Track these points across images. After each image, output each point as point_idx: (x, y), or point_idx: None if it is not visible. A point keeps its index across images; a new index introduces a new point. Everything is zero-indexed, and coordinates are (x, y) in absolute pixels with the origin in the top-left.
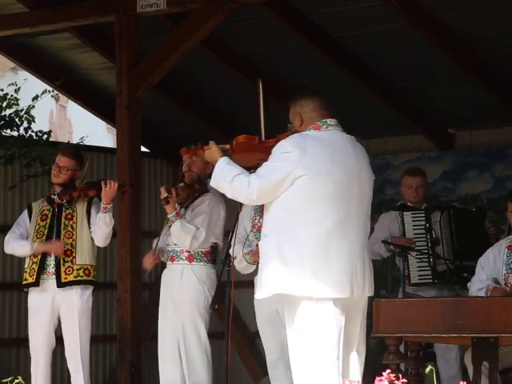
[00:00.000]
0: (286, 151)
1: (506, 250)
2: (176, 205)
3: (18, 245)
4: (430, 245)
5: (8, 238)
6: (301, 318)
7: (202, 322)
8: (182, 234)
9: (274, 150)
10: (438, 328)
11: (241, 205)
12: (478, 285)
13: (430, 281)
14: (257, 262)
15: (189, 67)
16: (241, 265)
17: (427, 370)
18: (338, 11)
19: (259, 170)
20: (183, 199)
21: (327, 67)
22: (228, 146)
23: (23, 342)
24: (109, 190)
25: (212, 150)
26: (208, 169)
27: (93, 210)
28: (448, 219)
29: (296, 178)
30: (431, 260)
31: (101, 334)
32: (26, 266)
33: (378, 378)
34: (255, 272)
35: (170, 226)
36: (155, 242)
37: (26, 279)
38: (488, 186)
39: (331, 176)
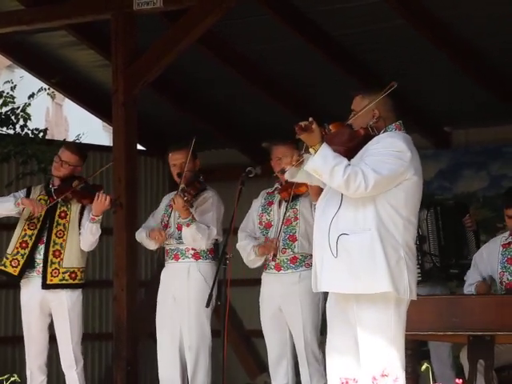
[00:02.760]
0: (400, 150)
1: (501, 249)
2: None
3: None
4: (418, 243)
5: None
6: (393, 317)
7: (207, 320)
8: (198, 236)
9: (383, 147)
10: (433, 326)
11: (237, 203)
12: (469, 281)
13: (419, 279)
14: (265, 255)
15: (186, 65)
16: (249, 257)
17: (423, 367)
18: (336, 9)
19: (370, 163)
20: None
21: (325, 65)
22: (323, 131)
23: (18, 340)
24: (99, 203)
25: (315, 133)
26: (196, 165)
27: (86, 212)
28: (435, 216)
29: (405, 179)
30: (419, 258)
31: (97, 333)
32: (8, 251)
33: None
34: (252, 270)
35: (166, 225)
36: (145, 228)
37: (4, 265)
38: (484, 185)
39: (422, 181)
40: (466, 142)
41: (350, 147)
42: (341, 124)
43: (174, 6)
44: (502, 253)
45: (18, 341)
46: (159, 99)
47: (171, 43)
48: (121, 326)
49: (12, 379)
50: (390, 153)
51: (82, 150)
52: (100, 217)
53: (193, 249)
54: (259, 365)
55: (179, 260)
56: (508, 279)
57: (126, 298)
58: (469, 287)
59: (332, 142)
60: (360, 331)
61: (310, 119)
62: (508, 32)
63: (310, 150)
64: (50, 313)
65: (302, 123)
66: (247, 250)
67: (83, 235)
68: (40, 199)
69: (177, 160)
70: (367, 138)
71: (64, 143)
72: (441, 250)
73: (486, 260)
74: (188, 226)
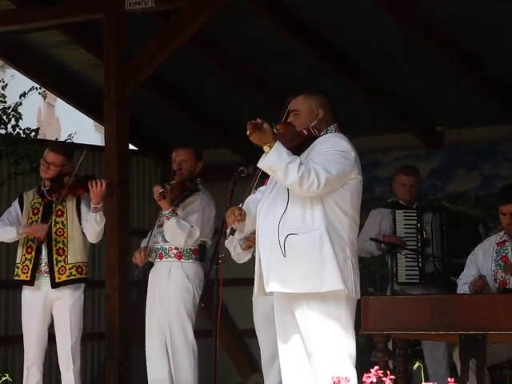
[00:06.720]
0: (345, 150)
1: (496, 247)
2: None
3: (3, 230)
4: (419, 245)
5: None
6: (343, 314)
7: (188, 320)
8: (177, 232)
9: (330, 146)
10: (426, 325)
11: (230, 203)
12: (464, 280)
13: (417, 281)
14: (251, 248)
15: (177, 65)
16: (236, 251)
17: (415, 366)
18: (329, 11)
19: (319, 162)
20: (174, 197)
21: (316, 65)
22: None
23: (11, 339)
24: (97, 190)
25: (266, 132)
26: (198, 167)
27: (83, 206)
28: (440, 221)
29: (350, 178)
30: (420, 260)
31: (89, 332)
32: (18, 262)
33: (365, 375)
34: (246, 269)
35: (161, 225)
36: (146, 239)
37: (17, 275)
38: (476, 184)
39: (362, 181)
40: (458, 141)
41: (293, 147)
42: (288, 124)
43: (165, 5)
44: (496, 250)
45: (10, 341)
46: (151, 99)
47: (163, 43)
48: (113, 326)
49: (4, 378)
50: (337, 152)
51: (66, 148)
52: (101, 204)
53: (176, 248)
54: (252, 365)
55: (163, 259)
56: (502, 277)
57: (118, 298)
58: (463, 286)
59: (280, 142)
60: (309, 330)
61: (259, 119)
62: (501, 32)
63: (264, 147)
64: (51, 312)
65: (254, 121)
66: (234, 243)
67: (88, 227)
68: (34, 203)
69: (177, 157)
70: (310, 138)
71: (47, 144)
72: (443, 255)
73: (481, 258)
74: (168, 219)
